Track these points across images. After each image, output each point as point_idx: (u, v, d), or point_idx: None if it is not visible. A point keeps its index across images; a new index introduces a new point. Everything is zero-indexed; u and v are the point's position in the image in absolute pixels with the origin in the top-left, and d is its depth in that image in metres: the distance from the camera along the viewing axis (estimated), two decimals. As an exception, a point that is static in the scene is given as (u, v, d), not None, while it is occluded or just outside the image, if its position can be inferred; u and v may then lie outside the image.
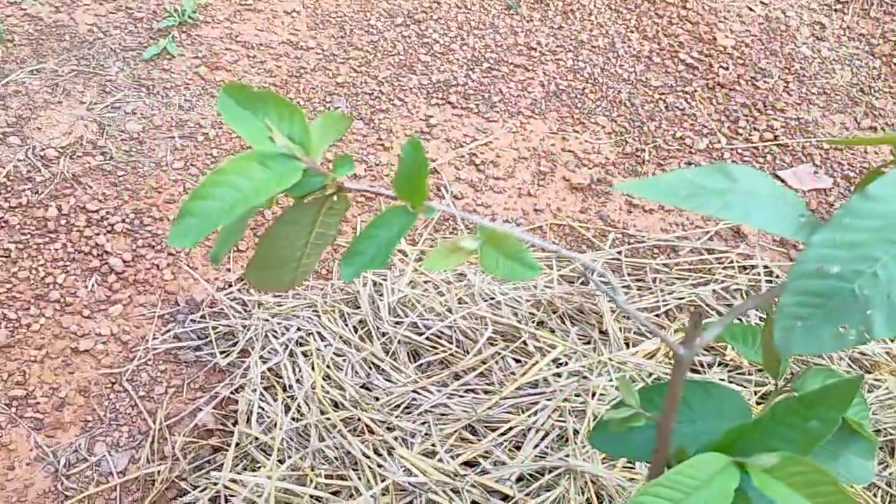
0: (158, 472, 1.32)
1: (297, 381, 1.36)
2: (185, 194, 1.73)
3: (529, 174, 1.91)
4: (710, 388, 0.79)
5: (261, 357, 1.41)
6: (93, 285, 1.54)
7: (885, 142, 0.70)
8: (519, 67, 2.20)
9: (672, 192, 0.64)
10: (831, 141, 1.86)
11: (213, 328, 1.51)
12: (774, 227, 0.64)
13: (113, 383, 1.44)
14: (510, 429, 1.30)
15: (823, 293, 0.57)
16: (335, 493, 1.20)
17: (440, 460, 1.21)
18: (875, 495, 1.26)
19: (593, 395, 1.33)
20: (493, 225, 0.64)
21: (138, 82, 1.97)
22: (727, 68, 2.26)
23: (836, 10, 2.57)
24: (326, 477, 1.22)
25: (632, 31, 2.37)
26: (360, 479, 1.19)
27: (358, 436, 1.27)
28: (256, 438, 1.30)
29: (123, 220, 1.65)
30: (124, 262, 1.59)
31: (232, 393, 1.41)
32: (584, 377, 1.36)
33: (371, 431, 1.28)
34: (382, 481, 1.18)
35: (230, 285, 1.59)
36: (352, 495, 1.17)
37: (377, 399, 1.34)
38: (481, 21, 2.33)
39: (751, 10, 2.51)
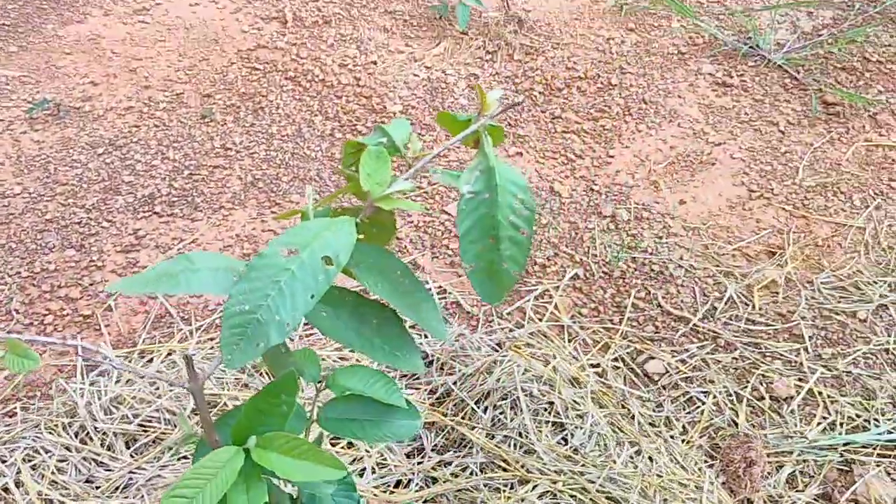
0: None
1: (24, 498, 1.56)
2: None
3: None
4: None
5: (-11, 483, 1.59)
6: None
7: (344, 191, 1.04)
8: (217, 167, 2.50)
9: (147, 281, 0.95)
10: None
11: (-54, 470, 1.67)
12: (214, 290, 0.95)
13: None
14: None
15: (243, 324, 0.89)
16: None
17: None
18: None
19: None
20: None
21: None
22: (397, 129, 2.67)
23: (486, 61, 3.09)
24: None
25: (315, 115, 2.74)
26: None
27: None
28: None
29: None
30: None
31: (-32, 522, 1.57)
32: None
33: (91, 516, 1.50)
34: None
35: (-42, 428, 1.75)
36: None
37: (98, 488, 1.56)
38: (179, 134, 2.62)
39: (416, 75, 2.96)
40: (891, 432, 1.88)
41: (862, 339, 2.13)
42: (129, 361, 1.88)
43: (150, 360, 1.89)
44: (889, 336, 2.14)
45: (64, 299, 2.06)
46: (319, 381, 1.16)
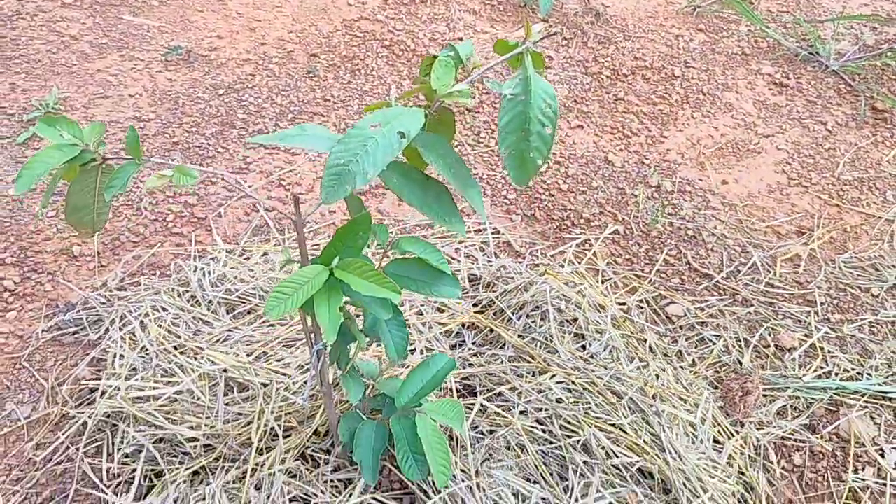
0: (53, 412, 1.89)
1: (146, 336, 1.97)
2: (57, 235, 2.33)
3: (315, 178, 2.59)
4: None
5: (119, 327, 2.01)
6: (-7, 301, 2.12)
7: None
8: (316, 114, 2.90)
9: (276, 138, 1.32)
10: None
11: (86, 317, 2.10)
12: (320, 147, 1.32)
13: (14, 364, 2.01)
14: (291, 347, 1.93)
15: (338, 173, 1.24)
16: (168, 384, 1.80)
17: (237, 356, 1.84)
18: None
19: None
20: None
21: (15, 160, 2.57)
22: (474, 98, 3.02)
23: (562, 46, 3.41)
24: (163, 375, 1.82)
25: (404, 79, 3.12)
26: (184, 374, 1.80)
27: (181, 354, 1.88)
28: (117, 374, 1.89)
29: (11, 255, 2.23)
30: (14, 283, 2.17)
31: (100, 354, 1.99)
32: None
33: (195, 355, 1.90)
34: (195, 371, 1.79)
35: (96, 289, 2.18)
36: (177, 384, 1.78)
37: (203, 339, 1.96)
38: (287, 84, 3.03)
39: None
40: (881, 385, 2.11)
41: (871, 311, 2.36)
42: (225, 259, 2.28)
43: (248, 258, 2.29)
44: (898, 312, 2.36)
45: (183, 204, 2.49)
46: (387, 245, 1.51)
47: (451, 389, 1.87)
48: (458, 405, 1.56)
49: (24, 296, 2.15)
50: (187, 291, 2.11)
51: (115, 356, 1.92)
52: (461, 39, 3.35)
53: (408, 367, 1.86)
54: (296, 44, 3.26)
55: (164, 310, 2.05)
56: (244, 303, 2.07)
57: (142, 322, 2.02)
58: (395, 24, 3.41)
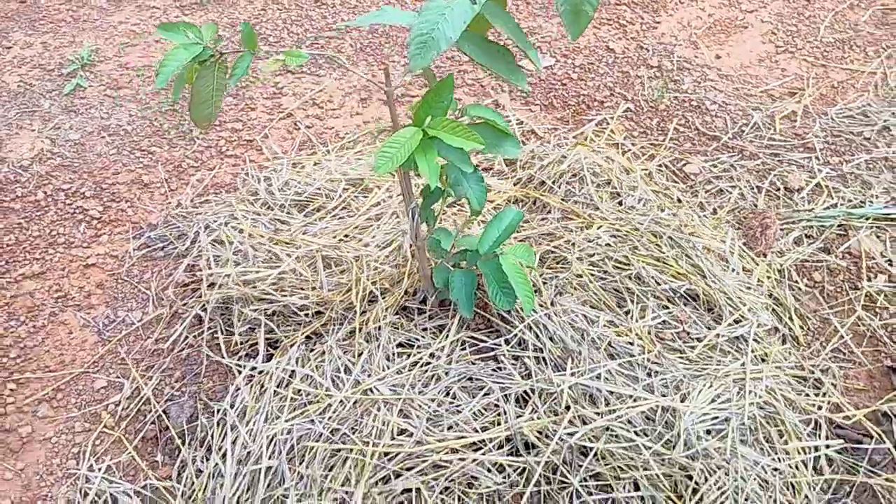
0: (163, 312, 2.13)
1: (237, 236, 2.19)
2: (122, 170, 2.53)
3: (355, 101, 2.80)
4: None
5: (206, 234, 2.23)
6: (84, 229, 2.33)
7: None
8: (332, 38, 3.08)
9: (366, 18, 1.53)
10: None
11: (170, 233, 2.32)
12: (403, 21, 1.53)
13: (116, 278, 2.23)
14: (365, 231, 2.17)
15: (423, 41, 1.46)
16: (272, 267, 2.04)
17: (321, 241, 2.08)
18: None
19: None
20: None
21: (66, 109, 2.74)
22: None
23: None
24: (264, 262, 2.05)
25: (415, 1, 3.29)
26: (285, 257, 2.04)
27: (275, 245, 2.12)
28: (213, 272, 2.12)
29: (89, 189, 2.44)
30: (99, 212, 2.38)
31: (193, 261, 2.22)
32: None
33: (287, 244, 2.13)
34: (292, 256, 2.03)
35: (173, 210, 2.40)
36: (279, 266, 2.02)
37: (286, 234, 2.18)
38: (298, 15, 3.21)
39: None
40: (882, 207, 2.39)
41: (865, 151, 2.63)
42: (284, 169, 2.50)
43: (303, 167, 2.51)
44: (889, 149, 2.63)
45: (230, 130, 2.69)
46: (458, 110, 1.73)
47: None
48: (530, 248, 1.82)
49: (109, 222, 2.36)
50: (258, 199, 2.33)
51: (211, 258, 2.15)
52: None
53: (482, 223, 2.10)
54: (299, -23, 3.42)
55: (243, 217, 2.27)
56: (312, 202, 2.30)
57: (225, 228, 2.24)
58: (389, -52, 3.57)
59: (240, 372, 1.91)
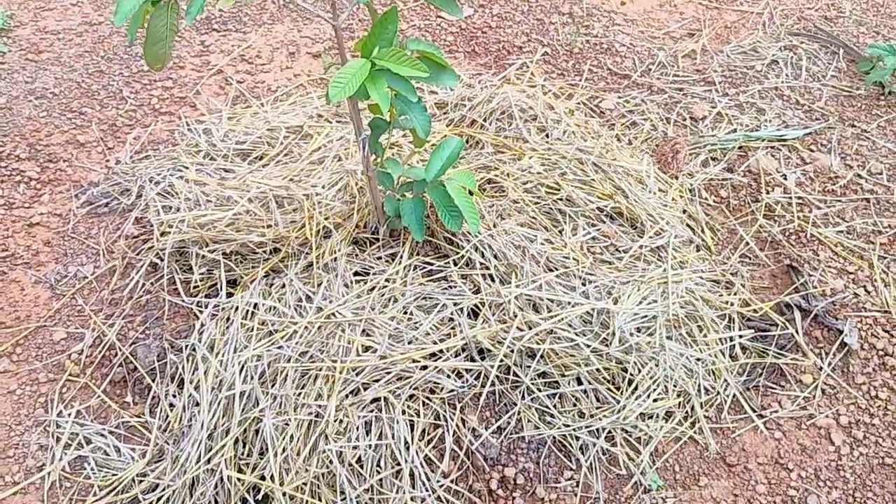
0: (115, 264, 2.17)
1: (185, 185, 2.25)
2: (55, 131, 2.53)
3: (284, 56, 2.87)
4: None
5: (153, 186, 2.28)
6: (23, 190, 2.33)
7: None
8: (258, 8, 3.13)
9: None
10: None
11: (113, 189, 2.35)
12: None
13: (62, 236, 2.25)
14: (311, 174, 2.27)
15: (366, -22, 1.56)
16: (226, 210, 2.11)
17: (272, 182, 2.17)
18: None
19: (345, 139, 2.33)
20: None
21: (-13, 74, 2.70)
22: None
23: None
24: (217, 206, 2.13)
25: None
26: (238, 199, 2.12)
27: (226, 189, 2.19)
28: (164, 219, 2.18)
29: (23, 151, 2.43)
30: (37, 173, 2.38)
31: (140, 213, 2.27)
32: (342, 138, 2.36)
33: (237, 187, 2.20)
34: (244, 198, 2.11)
35: (116, 164, 2.43)
36: (233, 207, 2.10)
37: (228, 181, 2.26)
38: (217, -26, 3.22)
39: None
40: (775, 130, 2.65)
41: (757, 82, 2.89)
42: (221, 122, 2.55)
43: (239, 119, 2.57)
44: (778, 79, 2.90)
45: (161, 88, 2.72)
46: (398, 45, 1.85)
47: (451, 182, 2.26)
48: (471, 174, 1.97)
49: (48, 182, 2.37)
50: (200, 151, 2.39)
51: (160, 207, 2.20)
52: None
53: (426, 150, 2.23)
54: (212, -63, 3.42)
55: (186, 168, 2.32)
56: (254, 150, 2.37)
57: (171, 178, 2.29)
58: None
59: (202, 311, 1.99)
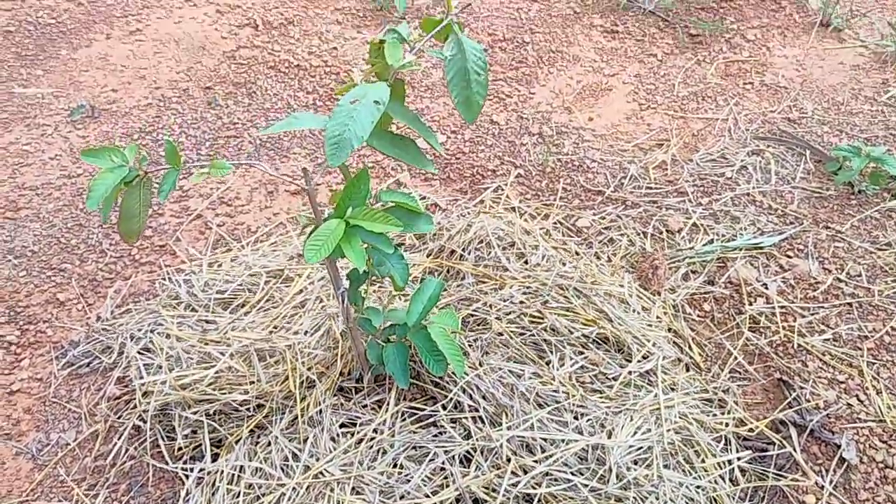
0: (98, 428, 2.12)
1: (166, 341, 2.23)
2: (35, 291, 2.52)
3: (262, 195, 2.90)
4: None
5: (133, 343, 2.26)
6: (3, 356, 2.30)
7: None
8: (231, 137, 3.19)
9: (280, 126, 1.66)
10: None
11: (94, 348, 2.33)
12: (316, 125, 1.67)
13: (43, 401, 2.21)
14: (292, 320, 2.26)
15: (337, 141, 1.60)
16: (207, 367, 2.08)
17: (252, 335, 2.15)
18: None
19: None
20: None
21: None
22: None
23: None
24: (198, 363, 2.10)
25: (298, 91, 3.46)
26: (219, 356, 2.09)
27: (206, 345, 2.17)
28: (146, 381, 2.15)
29: (2, 315, 2.41)
30: (17, 336, 2.36)
31: (122, 373, 2.23)
32: (322, 278, 2.36)
33: (219, 342, 2.18)
34: (225, 354, 2.09)
35: (97, 320, 2.41)
36: (215, 364, 2.07)
37: (214, 334, 2.24)
38: (193, 118, 3.30)
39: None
40: (751, 239, 2.69)
41: (729, 189, 2.95)
42: (202, 269, 2.56)
43: (220, 265, 2.58)
44: (749, 185, 2.96)
45: (141, 238, 2.73)
46: (373, 198, 1.88)
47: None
48: (454, 314, 1.96)
49: (29, 345, 2.35)
50: (181, 302, 2.38)
51: (141, 366, 2.17)
52: (336, 49, 3.72)
53: (406, 297, 2.23)
54: (188, 81, 3.52)
55: (167, 321, 2.31)
56: (235, 298, 2.37)
57: (152, 334, 2.27)
58: (273, 46, 3.74)
59: (188, 476, 1.94)
